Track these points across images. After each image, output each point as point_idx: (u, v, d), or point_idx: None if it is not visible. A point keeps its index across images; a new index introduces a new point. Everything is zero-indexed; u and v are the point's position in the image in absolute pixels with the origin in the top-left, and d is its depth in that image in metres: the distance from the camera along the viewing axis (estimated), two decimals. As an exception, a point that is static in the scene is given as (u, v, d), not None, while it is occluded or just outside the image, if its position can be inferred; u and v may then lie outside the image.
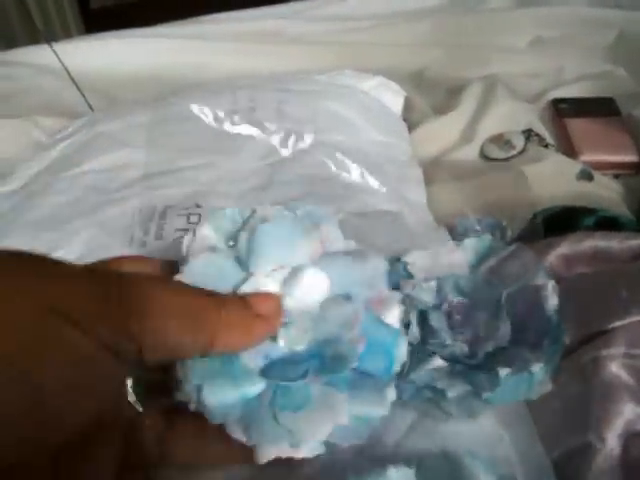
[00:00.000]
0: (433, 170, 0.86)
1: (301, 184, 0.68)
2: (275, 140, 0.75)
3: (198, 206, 0.66)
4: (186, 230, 0.63)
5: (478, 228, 0.75)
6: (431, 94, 1.05)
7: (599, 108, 0.95)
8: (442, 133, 0.93)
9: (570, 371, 0.47)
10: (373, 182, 0.70)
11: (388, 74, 0.98)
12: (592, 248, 0.55)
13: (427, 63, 1.11)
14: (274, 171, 0.71)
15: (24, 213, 0.72)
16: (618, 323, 0.47)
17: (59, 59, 1.12)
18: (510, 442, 0.45)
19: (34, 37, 2.28)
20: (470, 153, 0.89)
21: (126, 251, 0.63)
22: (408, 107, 0.98)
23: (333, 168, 0.70)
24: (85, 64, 1.16)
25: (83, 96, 1.07)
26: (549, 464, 0.43)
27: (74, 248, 0.64)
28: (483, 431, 0.45)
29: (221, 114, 0.80)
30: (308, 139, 0.74)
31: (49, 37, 1.26)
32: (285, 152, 0.73)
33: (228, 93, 0.83)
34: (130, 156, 0.75)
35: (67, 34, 2.52)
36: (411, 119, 0.96)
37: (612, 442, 0.42)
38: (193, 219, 0.65)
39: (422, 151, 0.89)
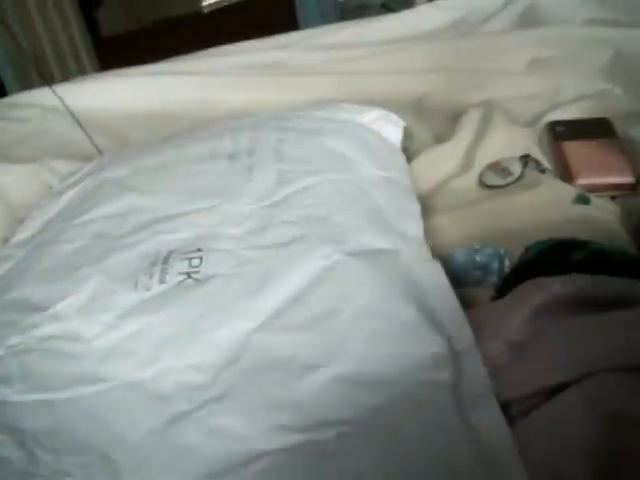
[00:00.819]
0: (433, 200, 0.88)
1: (297, 225, 0.70)
2: (272, 180, 0.77)
3: (199, 250, 0.69)
4: (189, 275, 0.66)
5: (478, 258, 0.77)
6: (430, 121, 1.06)
7: (595, 130, 0.95)
8: (441, 162, 0.95)
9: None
10: (367, 221, 0.72)
11: (387, 102, 1.00)
12: (582, 291, 0.57)
13: (426, 89, 1.13)
14: (271, 211, 0.73)
15: (35, 262, 0.75)
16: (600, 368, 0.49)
17: (62, 101, 1.15)
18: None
19: (46, 78, 2.32)
20: (469, 181, 0.91)
21: (132, 296, 0.65)
22: (407, 135, 0.99)
23: (328, 209, 0.72)
24: (91, 104, 1.19)
25: (90, 138, 1.10)
26: None
27: (81, 296, 0.67)
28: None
29: (222, 155, 0.83)
30: (306, 180, 0.76)
31: (49, 78, 1.29)
32: (283, 192, 0.75)
33: (229, 135, 0.86)
34: (135, 202, 0.78)
35: (78, 63, 2.57)
36: (411, 147, 0.98)
37: None
38: (195, 263, 0.67)
39: (422, 181, 0.91)
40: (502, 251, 0.76)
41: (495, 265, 0.75)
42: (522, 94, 1.09)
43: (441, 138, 1.00)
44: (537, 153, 0.93)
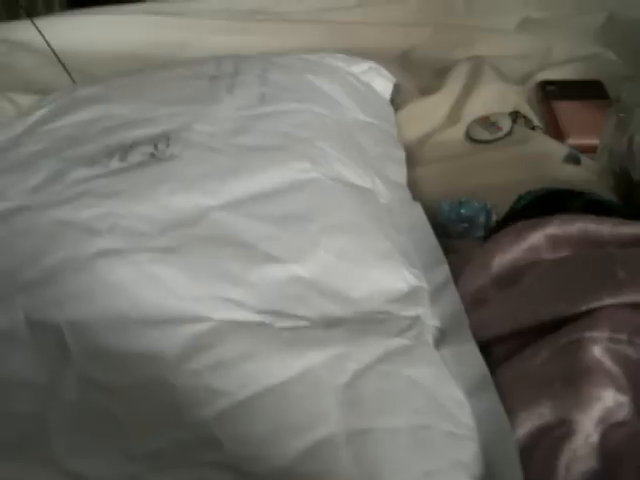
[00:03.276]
0: (418, 151, 0.85)
1: (277, 137, 0.66)
2: (255, 98, 0.73)
3: (168, 138, 0.64)
4: (153, 155, 0.62)
5: (463, 211, 0.74)
6: (418, 74, 1.03)
7: (587, 91, 0.94)
8: (428, 114, 0.92)
9: (550, 349, 0.46)
10: (348, 157, 0.68)
11: (375, 54, 0.97)
12: (582, 231, 0.54)
13: (415, 43, 1.10)
14: (251, 121, 0.69)
15: None
16: (609, 301, 0.45)
17: (42, 36, 1.09)
18: (471, 409, 0.45)
19: (13, 13, 2.24)
20: (456, 135, 0.88)
21: (87, 172, 0.61)
22: (395, 87, 0.96)
23: (310, 133, 0.68)
24: (64, 41, 1.13)
25: (66, 70, 1.04)
26: (511, 433, 0.43)
27: (35, 179, 0.62)
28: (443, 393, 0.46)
29: (204, 75, 0.79)
30: (290, 105, 0.72)
31: (32, 13, 1.23)
32: (265, 109, 0.71)
33: (212, 62, 0.82)
34: (108, 109, 0.74)
35: (49, 9, 2.48)
36: (397, 99, 0.95)
37: (589, 427, 0.41)
38: (161, 147, 0.63)
39: (407, 132, 0.88)
40: (488, 205, 0.73)
41: (481, 219, 0.73)
42: (512, 53, 1.07)
43: (426, 92, 0.97)
44: (527, 110, 0.91)
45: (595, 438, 0.41)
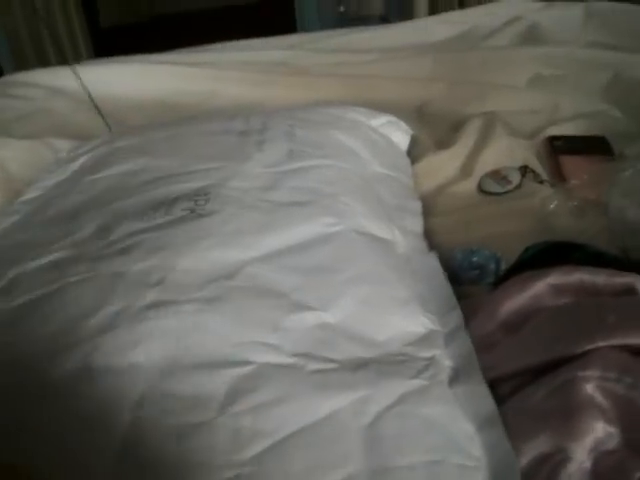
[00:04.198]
0: (433, 202, 0.90)
1: (304, 192, 0.72)
2: (283, 154, 0.78)
3: (207, 193, 0.70)
4: (193, 210, 0.67)
5: (475, 259, 0.78)
6: (433, 127, 1.08)
7: (592, 146, 0.98)
8: (442, 167, 0.97)
9: (548, 387, 0.50)
10: (369, 210, 0.73)
11: (391, 107, 1.02)
12: (580, 280, 0.59)
13: (430, 97, 1.15)
14: (280, 177, 0.74)
15: (41, 213, 0.76)
16: (601, 344, 0.50)
17: (81, 81, 1.15)
18: (480, 441, 0.49)
19: (43, 59, 2.32)
20: (469, 187, 0.93)
21: (136, 224, 0.66)
22: (411, 140, 1.02)
23: (336, 189, 0.74)
24: (98, 87, 1.19)
25: (101, 115, 1.10)
26: (517, 463, 0.47)
27: (84, 232, 0.68)
28: (456, 429, 0.49)
29: (234, 131, 0.84)
30: (316, 160, 0.77)
31: (65, 60, 1.29)
32: (292, 165, 0.76)
33: (241, 118, 0.88)
34: (149, 162, 0.79)
35: (76, 53, 2.56)
36: (414, 152, 1.00)
37: (582, 455, 0.45)
38: (200, 202, 0.68)
39: (423, 184, 0.93)
40: (498, 254, 0.78)
41: (492, 266, 0.77)
42: (522, 109, 1.11)
43: (441, 145, 1.02)
44: (535, 164, 0.95)
45: (588, 464, 0.45)
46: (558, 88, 1.16)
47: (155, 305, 0.56)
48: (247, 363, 0.52)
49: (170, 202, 0.69)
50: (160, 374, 0.51)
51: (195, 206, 0.68)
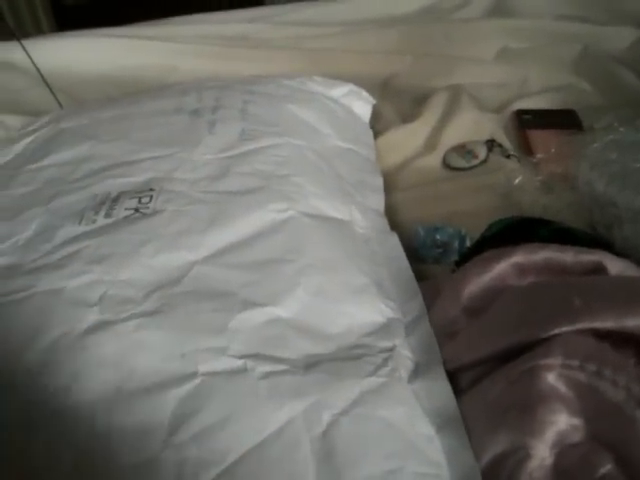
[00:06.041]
0: (396, 177, 0.87)
1: (255, 177, 0.68)
2: (235, 135, 0.74)
3: (151, 190, 0.66)
4: (137, 209, 0.63)
5: (438, 237, 0.76)
6: (398, 101, 1.05)
7: (561, 120, 0.96)
8: (406, 141, 0.94)
9: (508, 378, 0.47)
10: (324, 190, 0.70)
11: (355, 81, 0.99)
12: (546, 259, 0.55)
13: (395, 71, 1.12)
14: (230, 163, 0.70)
15: None
16: (566, 328, 0.47)
17: (30, 58, 1.10)
18: (440, 444, 0.46)
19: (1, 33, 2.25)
20: (433, 162, 0.90)
21: (75, 229, 0.62)
22: (375, 114, 0.98)
23: (288, 169, 0.70)
24: (52, 63, 1.14)
25: (53, 94, 1.05)
26: (477, 467, 0.44)
27: (26, 234, 0.63)
28: (415, 432, 0.47)
29: (186, 110, 0.80)
30: (269, 140, 0.74)
31: (19, 34, 1.23)
32: (244, 147, 0.72)
33: (194, 93, 0.83)
34: (93, 149, 0.75)
35: (38, 31, 2.49)
36: (377, 126, 0.97)
37: (544, 451, 0.42)
38: (144, 200, 0.64)
39: (386, 158, 0.90)
40: (463, 231, 0.75)
41: (456, 244, 0.75)
42: (489, 82, 1.09)
43: (406, 119, 1.00)
44: (503, 139, 0.93)
45: (550, 461, 0.42)
46: (526, 61, 1.13)
47: (94, 329, 0.51)
48: (192, 375, 0.48)
49: (112, 200, 0.64)
50: (105, 409, 0.46)
51: (139, 204, 0.63)
